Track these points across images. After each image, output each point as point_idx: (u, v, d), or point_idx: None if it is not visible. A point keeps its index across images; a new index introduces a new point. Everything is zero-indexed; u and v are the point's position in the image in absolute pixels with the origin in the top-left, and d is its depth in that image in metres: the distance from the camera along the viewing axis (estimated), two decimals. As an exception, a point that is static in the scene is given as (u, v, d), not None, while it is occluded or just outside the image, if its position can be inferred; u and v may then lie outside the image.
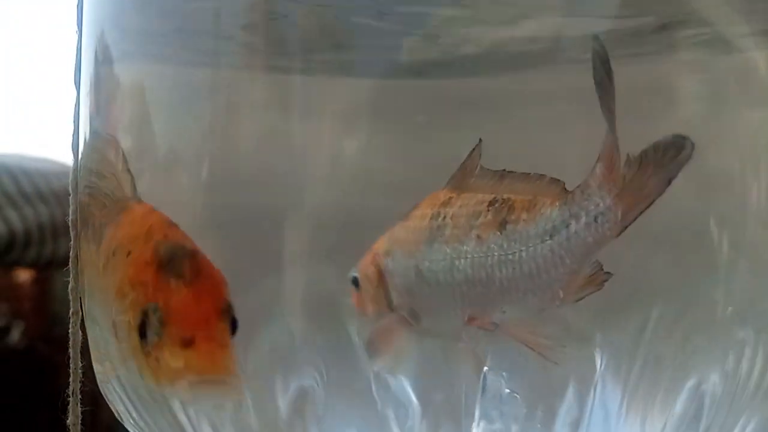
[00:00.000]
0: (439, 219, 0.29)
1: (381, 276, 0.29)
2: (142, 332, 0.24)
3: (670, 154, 0.25)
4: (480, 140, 0.28)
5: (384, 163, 0.30)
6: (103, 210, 0.28)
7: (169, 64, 0.31)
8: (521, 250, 0.27)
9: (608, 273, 0.26)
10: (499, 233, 0.28)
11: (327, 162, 0.30)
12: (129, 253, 0.26)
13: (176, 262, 0.25)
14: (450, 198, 0.29)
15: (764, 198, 0.31)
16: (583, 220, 0.26)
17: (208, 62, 0.30)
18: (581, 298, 0.27)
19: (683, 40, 0.30)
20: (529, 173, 0.28)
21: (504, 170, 0.28)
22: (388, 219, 0.29)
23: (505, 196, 0.28)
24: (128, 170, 0.28)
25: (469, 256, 0.28)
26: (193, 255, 0.25)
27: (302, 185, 0.29)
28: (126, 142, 0.30)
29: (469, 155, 0.28)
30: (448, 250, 0.28)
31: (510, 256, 0.27)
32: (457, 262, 0.28)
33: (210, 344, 0.23)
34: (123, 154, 0.28)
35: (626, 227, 0.26)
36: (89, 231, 0.29)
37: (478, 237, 0.28)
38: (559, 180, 0.27)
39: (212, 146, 0.30)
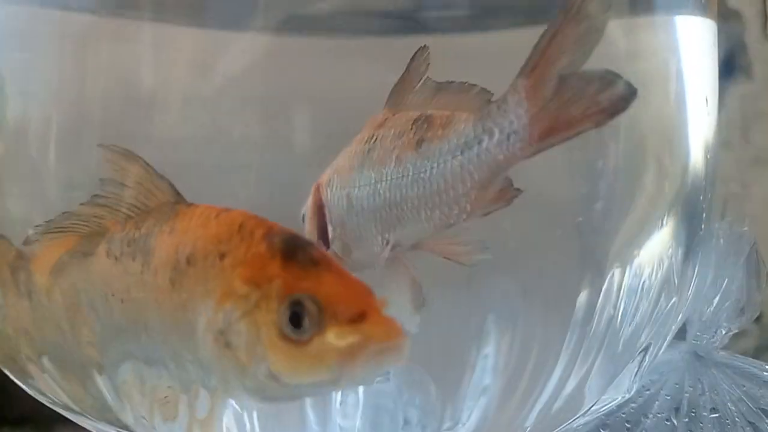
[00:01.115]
0: (371, 142, 0.28)
1: (319, 209, 0.29)
2: (296, 324, 0.23)
3: (595, 87, 0.24)
4: (424, 47, 0.27)
5: (233, 114, 0.30)
6: (129, 221, 0.27)
7: (23, 5, 0.31)
8: (432, 167, 0.27)
9: (518, 189, 0.26)
10: (414, 152, 0.27)
11: (176, 111, 0.29)
12: (223, 255, 0.25)
13: (306, 252, 0.24)
14: (386, 119, 0.28)
15: (622, 157, 0.31)
16: (496, 137, 0.26)
17: (60, 5, 0.30)
18: (489, 213, 0.26)
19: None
20: (464, 83, 0.27)
21: (447, 81, 0.27)
22: (236, 168, 0.29)
23: (429, 112, 0.27)
24: (161, 176, 0.27)
25: (388, 178, 0.28)
26: (310, 242, 0.25)
27: (150, 134, 0.29)
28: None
29: (407, 69, 0.28)
30: (372, 174, 0.28)
31: (422, 174, 0.27)
32: (378, 186, 0.28)
33: (378, 313, 0.23)
34: (146, 162, 0.27)
35: (540, 151, 0.25)
36: (114, 244, 0.28)
37: (398, 158, 0.28)
38: (487, 91, 0.26)
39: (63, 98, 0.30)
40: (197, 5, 0.29)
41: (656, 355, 0.32)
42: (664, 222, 0.31)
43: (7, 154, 0.31)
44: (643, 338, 0.31)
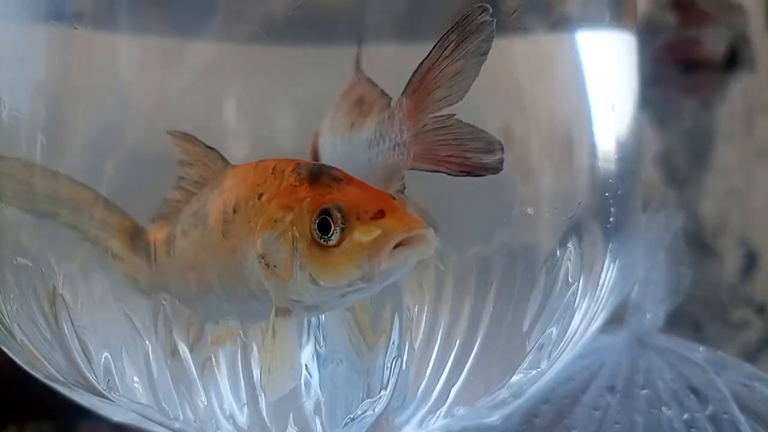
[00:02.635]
0: (337, 108, 0.31)
1: (314, 153, 0.32)
2: (325, 231, 0.26)
3: (478, 145, 0.26)
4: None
5: (204, 118, 0.33)
6: (193, 198, 0.30)
7: (10, 20, 0.35)
8: (355, 154, 0.30)
9: (403, 196, 0.29)
10: (349, 133, 0.30)
11: (148, 115, 0.33)
12: (261, 195, 0.28)
13: (329, 173, 0.27)
14: (349, 89, 0.31)
15: (547, 156, 0.35)
16: (387, 143, 0.28)
17: (44, 17, 0.34)
18: None
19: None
20: (371, 81, 0.30)
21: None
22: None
23: (364, 95, 0.30)
24: (211, 147, 0.30)
25: (337, 149, 0.31)
26: (333, 167, 0.28)
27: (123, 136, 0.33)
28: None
29: (359, 48, 0.31)
30: (330, 140, 0.31)
31: (351, 155, 0.30)
32: (333, 153, 0.31)
33: (398, 210, 0.26)
34: (198, 138, 0.30)
35: (417, 169, 0.28)
36: (184, 222, 0.30)
37: (341, 134, 0.30)
38: (387, 96, 0.29)
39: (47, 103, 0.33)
40: (164, 18, 0.33)
41: (565, 333, 0.36)
42: (566, 215, 0.35)
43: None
44: (545, 316, 0.35)
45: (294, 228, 0.27)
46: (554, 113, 0.35)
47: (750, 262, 1.14)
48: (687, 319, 1.14)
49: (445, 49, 0.27)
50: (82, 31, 0.34)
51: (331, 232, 0.26)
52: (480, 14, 0.26)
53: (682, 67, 1.11)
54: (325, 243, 0.26)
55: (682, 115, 1.13)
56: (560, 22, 0.35)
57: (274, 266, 0.27)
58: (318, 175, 0.28)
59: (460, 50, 0.27)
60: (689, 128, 1.12)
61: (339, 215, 0.26)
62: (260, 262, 0.28)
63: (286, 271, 0.27)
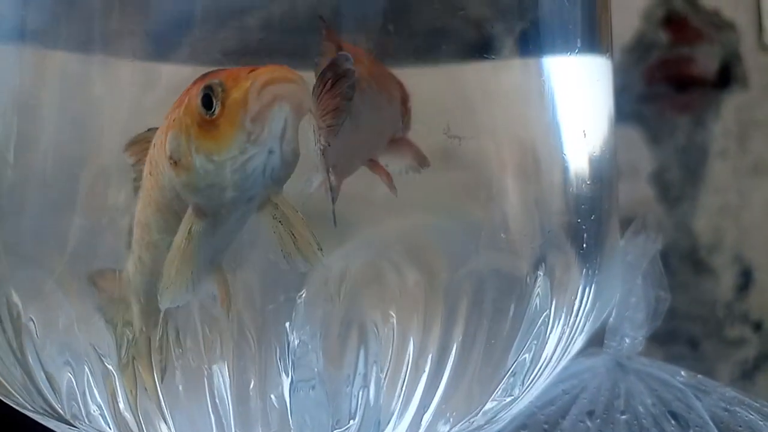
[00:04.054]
0: None
1: None
2: (208, 106, 0.26)
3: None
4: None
5: None
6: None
7: None
8: None
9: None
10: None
11: (118, 140, 0.32)
12: (165, 118, 0.28)
13: (210, 72, 0.27)
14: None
15: (516, 182, 0.34)
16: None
17: (14, 39, 0.34)
18: None
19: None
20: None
21: None
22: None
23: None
24: (145, 132, 0.30)
25: None
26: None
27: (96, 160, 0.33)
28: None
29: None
30: None
31: None
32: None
33: (276, 65, 0.26)
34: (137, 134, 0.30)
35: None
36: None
37: None
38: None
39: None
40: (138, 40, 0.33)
41: (539, 359, 0.36)
42: (536, 242, 0.35)
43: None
44: (517, 343, 0.34)
45: (186, 117, 0.27)
46: (523, 138, 0.35)
47: (745, 279, 1.13)
48: (683, 337, 1.13)
49: (326, 84, 0.28)
50: (54, 53, 0.34)
51: (213, 106, 0.26)
52: (344, 62, 0.28)
53: (675, 84, 1.12)
54: (210, 118, 0.27)
55: (676, 133, 1.14)
56: (530, 47, 0.35)
57: (180, 160, 0.28)
58: (202, 76, 0.28)
59: (336, 89, 0.28)
60: (683, 145, 1.13)
61: (219, 88, 0.26)
62: (170, 163, 0.28)
63: (188, 161, 0.27)
